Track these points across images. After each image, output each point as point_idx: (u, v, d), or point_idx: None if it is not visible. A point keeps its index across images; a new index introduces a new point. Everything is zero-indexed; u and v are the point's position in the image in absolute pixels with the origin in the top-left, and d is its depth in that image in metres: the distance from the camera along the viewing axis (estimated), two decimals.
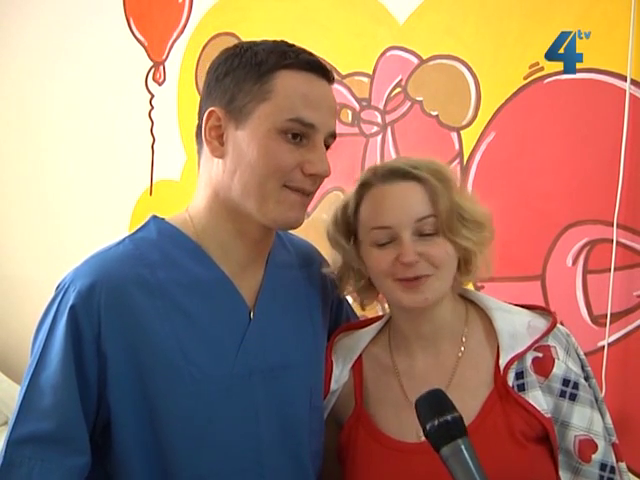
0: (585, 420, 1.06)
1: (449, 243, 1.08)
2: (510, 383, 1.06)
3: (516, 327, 1.10)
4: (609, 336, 1.67)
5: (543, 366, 1.07)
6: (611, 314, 1.66)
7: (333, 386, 1.16)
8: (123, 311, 0.98)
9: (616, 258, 1.66)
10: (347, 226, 1.15)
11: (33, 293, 2.74)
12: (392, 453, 1.08)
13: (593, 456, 1.05)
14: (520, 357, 1.07)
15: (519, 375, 1.07)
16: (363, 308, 1.24)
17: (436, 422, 0.84)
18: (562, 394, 1.06)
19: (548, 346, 1.09)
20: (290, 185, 1.01)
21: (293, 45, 1.04)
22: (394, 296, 1.09)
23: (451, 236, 1.07)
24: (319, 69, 1.03)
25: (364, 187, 1.13)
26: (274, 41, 1.05)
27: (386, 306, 1.23)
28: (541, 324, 1.11)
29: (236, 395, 1.02)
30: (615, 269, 1.66)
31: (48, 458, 0.94)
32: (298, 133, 1.00)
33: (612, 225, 1.66)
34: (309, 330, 1.15)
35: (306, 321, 1.15)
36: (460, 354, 1.12)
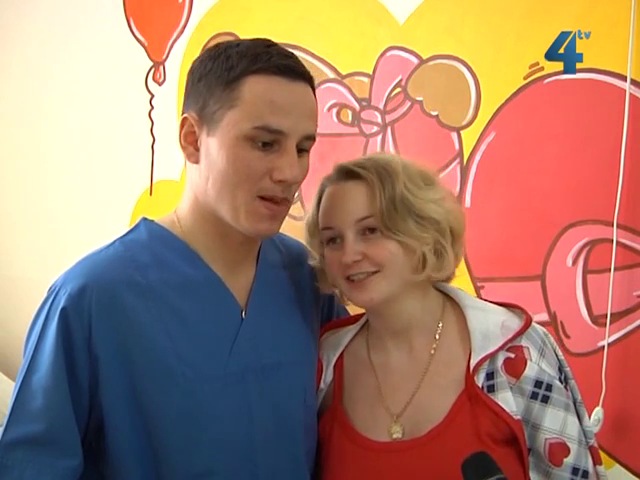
0: (558, 423, 1.04)
1: (392, 241, 1.06)
2: (480, 384, 1.05)
3: (489, 327, 1.08)
4: (609, 336, 1.66)
5: (514, 367, 1.06)
6: (611, 314, 1.66)
7: (321, 385, 1.17)
8: (114, 313, 0.98)
9: (616, 258, 1.66)
10: (315, 226, 1.15)
11: (33, 293, 2.73)
12: (364, 452, 1.08)
13: (565, 460, 1.03)
14: (491, 357, 1.06)
15: (490, 376, 1.06)
16: (342, 301, 1.25)
17: None
18: (534, 396, 1.05)
19: (521, 347, 1.07)
20: (262, 195, 1.00)
21: (272, 45, 1.02)
22: (346, 294, 1.12)
23: (391, 234, 1.06)
24: (290, 72, 0.99)
25: (322, 187, 1.14)
26: (254, 40, 1.03)
27: None
28: (515, 324, 1.09)
29: (229, 394, 1.02)
30: (615, 269, 1.66)
31: (39, 460, 0.95)
32: (267, 140, 0.98)
33: (612, 225, 1.66)
34: (301, 329, 1.15)
35: (298, 320, 1.15)
36: (433, 351, 1.11)
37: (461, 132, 1.89)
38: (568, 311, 1.71)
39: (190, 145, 1.04)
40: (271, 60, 0.98)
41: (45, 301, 1.01)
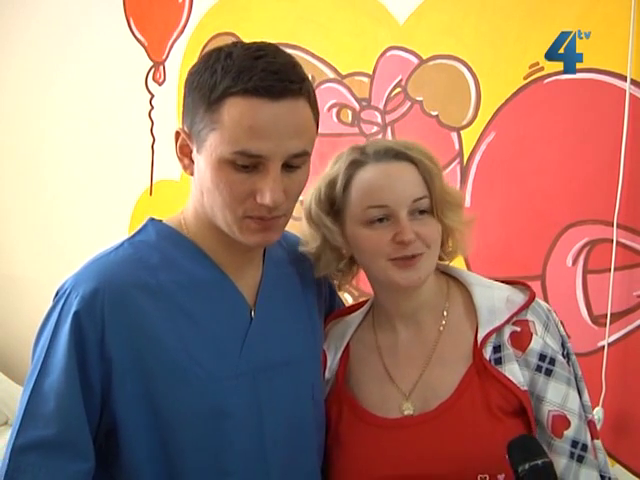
0: (559, 396, 1.07)
1: (439, 223, 1.10)
2: (487, 357, 1.08)
3: (495, 302, 1.11)
4: (609, 336, 1.67)
5: (520, 340, 1.08)
6: (611, 314, 1.67)
7: (327, 376, 1.18)
8: (126, 315, 0.98)
9: (616, 258, 1.66)
10: (331, 204, 1.13)
11: (33, 293, 2.74)
12: (375, 429, 1.10)
13: (565, 432, 1.06)
14: (497, 330, 1.09)
15: (496, 349, 1.09)
16: (340, 289, 1.26)
17: (527, 466, 0.87)
18: (538, 369, 1.07)
19: (526, 320, 1.10)
20: (248, 215, 0.99)
21: (261, 57, 0.96)
22: (387, 275, 1.09)
23: (442, 216, 1.10)
24: (271, 92, 0.94)
25: (354, 165, 1.11)
26: (246, 49, 0.98)
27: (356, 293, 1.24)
28: (519, 298, 1.12)
29: (241, 393, 1.03)
30: (615, 269, 1.66)
31: (52, 464, 0.94)
32: (247, 164, 0.95)
33: (612, 225, 1.66)
34: (308, 325, 1.16)
35: (304, 316, 1.16)
36: (441, 328, 1.14)
37: (461, 132, 1.89)
38: (568, 311, 1.71)
39: (185, 157, 1.04)
40: (251, 80, 0.94)
41: (56, 304, 1.00)
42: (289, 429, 1.06)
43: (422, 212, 1.09)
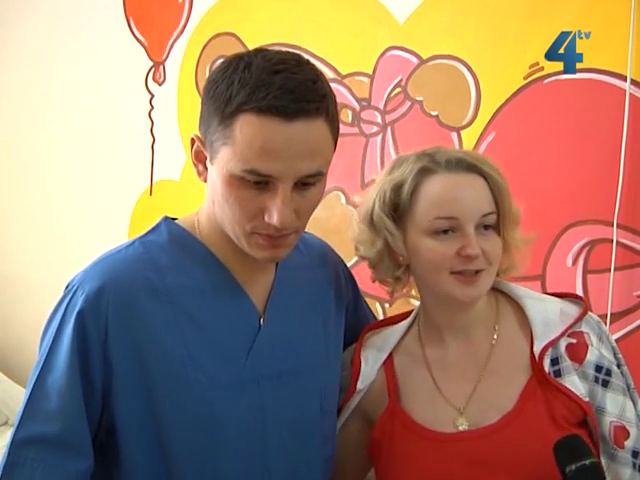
0: (618, 407, 1.06)
1: (501, 240, 1.09)
2: (546, 369, 1.07)
3: (548, 314, 1.10)
4: None
5: (577, 352, 1.08)
6: (611, 314, 1.67)
7: (359, 386, 1.15)
8: (131, 316, 0.98)
9: (616, 258, 1.66)
10: (394, 209, 1.10)
11: (33, 293, 2.74)
12: (430, 443, 1.08)
13: (625, 443, 1.05)
14: (554, 343, 1.08)
15: (554, 361, 1.07)
16: (391, 296, 1.21)
17: (574, 467, 0.87)
18: (596, 380, 1.07)
19: (581, 332, 1.09)
20: (257, 231, 0.98)
21: (280, 72, 0.92)
22: (447, 289, 1.07)
23: (506, 234, 1.09)
24: (286, 112, 0.91)
25: (424, 172, 1.08)
26: (266, 61, 0.94)
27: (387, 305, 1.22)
28: (573, 310, 1.11)
29: (244, 401, 1.01)
30: (615, 269, 1.66)
31: (51, 460, 0.94)
32: (258, 181, 0.94)
33: (612, 225, 1.66)
34: (320, 333, 1.13)
35: (318, 324, 1.13)
36: (493, 342, 1.12)
37: (461, 132, 1.89)
38: None
39: (200, 163, 1.02)
40: (267, 98, 0.90)
41: (62, 300, 1.00)
42: (292, 438, 1.05)
43: (487, 227, 1.07)
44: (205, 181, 1.03)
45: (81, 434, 0.96)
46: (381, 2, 2.00)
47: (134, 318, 0.98)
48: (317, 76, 0.96)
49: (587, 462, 0.87)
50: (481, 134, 1.86)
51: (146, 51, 2.50)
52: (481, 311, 1.13)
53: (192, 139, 1.02)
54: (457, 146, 1.88)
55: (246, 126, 0.92)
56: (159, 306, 1.00)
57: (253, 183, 0.94)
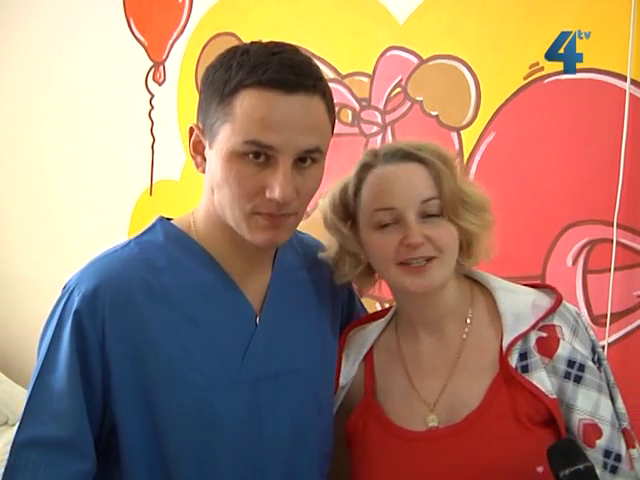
0: (590, 404, 1.03)
1: (453, 226, 1.05)
2: (514, 364, 1.04)
3: (520, 307, 1.07)
4: (609, 336, 1.67)
5: (547, 346, 1.04)
6: (611, 314, 1.67)
7: (342, 382, 1.15)
8: (127, 316, 0.98)
9: (616, 258, 1.66)
10: (345, 209, 1.11)
11: (33, 293, 2.74)
12: (399, 441, 1.07)
13: (597, 442, 1.01)
14: (523, 337, 1.05)
15: (523, 356, 1.04)
16: (361, 295, 1.23)
17: (567, 471, 0.85)
18: (567, 375, 1.03)
19: (553, 325, 1.05)
20: (257, 211, 0.97)
21: (277, 53, 0.96)
22: (398, 281, 1.06)
23: (455, 219, 1.05)
24: (285, 85, 0.93)
25: (365, 169, 1.09)
26: (262, 47, 0.98)
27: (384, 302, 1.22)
28: (545, 302, 1.07)
29: (241, 401, 1.01)
30: (615, 269, 1.66)
31: (52, 462, 0.94)
32: (259, 152, 0.94)
33: (612, 225, 1.66)
34: (317, 333, 1.13)
35: (314, 324, 1.13)
36: (465, 336, 1.10)
37: (461, 132, 1.89)
38: None
39: (198, 155, 1.03)
40: (266, 73, 0.93)
41: (59, 301, 1.00)
42: (290, 438, 1.04)
43: (435, 215, 1.05)
44: (203, 172, 1.03)
45: (83, 435, 0.96)
46: (381, 2, 2.00)
47: (131, 318, 0.98)
48: (312, 61, 1.00)
49: (581, 466, 0.85)
50: (481, 134, 1.86)
51: (146, 51, 2.50)
52: (452, 303, 1.11)
53: (191, 128, 1.03)
54: (457, 146, 1.89)
55: (247, 100, 0.93)
56: (156, 306, 0.99)
57: (254, 158, 0.94)
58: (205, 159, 1.01)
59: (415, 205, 1.04)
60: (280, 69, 0.93)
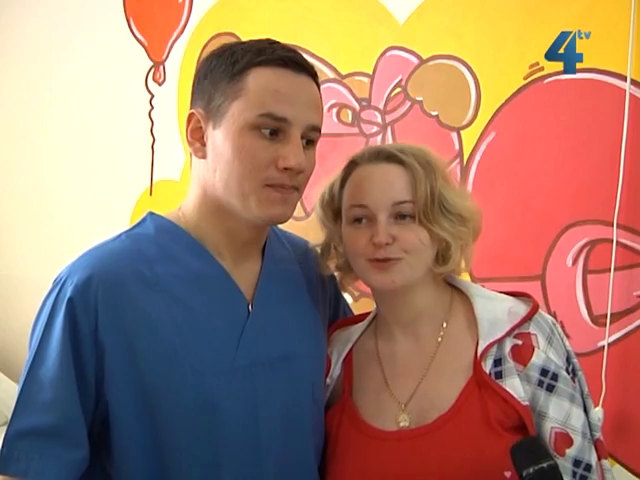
0: (562, 413, 1.04)
1: (425, 230, 1.07)
2: (488, 370, 1.05)
3: (497, 314, 1.09)
4: (609, 336, 1.67)
5: (522, 354, 1.06)
6: (611, 314, 1.66)
7: (327, 381, 1.17)
8: (120, 304, 0.98)
9: (616, 258, 1.66)
10: (332, 204, 1.16)
11: (33, 293, 2.73)
12: (371, 441, 1.09)
13: (567, 451, 1.03)
14: (498, 343, 1.06)
15: (497, 362, 1.06)
16: (344, 289, 1.25)
17: (531, 470, 0.85)
18: (540, 384, 1.05)
19: (529, 333, 1.07)
20: (269, 183, 1.01)
21: (276, 43, 1.04)
22: (365, 276, 1.11)
23: (427, 224, 1.07)
24: (294, 64, 1.02)
25: (351, 165, 1.14)
26: (259, 39, 1.05)
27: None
28: (521, 310, 1.09)
29: (237, 388, 1.02)
30: (615, 269, 1.66)
31: (46, 452, 0.94)
32: (272, 127, 0.99)
33: (612, 225, 1.66)
34: (309, 323, 1.15)
35: (306, 314, 1.15)
36: (440, 339, 1.12)
37: (461, 132, 1.89)
38: (568, 311, 1.71)
39: (197, 141, 1.05)
40: (275, 53, 1.01)
41: (51, 292, 1.01)
42: (285, 425, 1.06)
43: (405, 216, 1.07)
44: (203, 157, 1.04)
45: (75, 424, 0.96)
46: (381, 2, 2.00)
47: (124, 306, 0.98)
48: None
49: (545, 465, 0.85)
50: (481, 134, 1.86)
51: (146, 51, 2.50)
52: (428, 307, 1.13)
53: (190, 114, 1.05)
54: (457, 146, 1.89)
55: (259, 77, 1.00)
56: (150, 294, 1.00)
57: (266, 132, 0.99)
58: (204, 144, 1.03)
59: (387, 206, 1.07)
60: (285, 52, 1.02)
